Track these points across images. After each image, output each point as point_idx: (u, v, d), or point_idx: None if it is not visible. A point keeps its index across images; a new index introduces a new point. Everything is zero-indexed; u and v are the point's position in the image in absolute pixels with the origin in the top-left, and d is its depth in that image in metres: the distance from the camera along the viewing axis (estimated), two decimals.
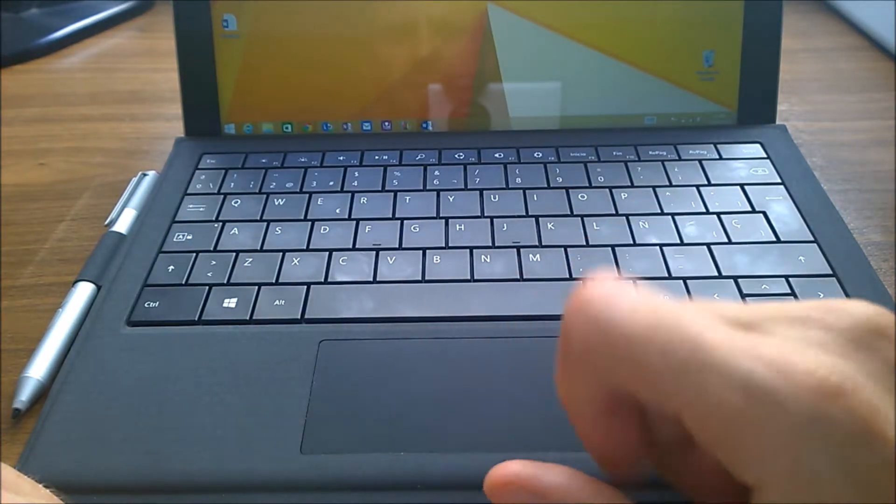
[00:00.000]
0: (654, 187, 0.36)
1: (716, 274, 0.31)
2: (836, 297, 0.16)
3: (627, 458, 0.18)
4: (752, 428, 0.14)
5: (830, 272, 0.31)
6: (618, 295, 0.17)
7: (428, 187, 0.36)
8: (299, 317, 0.29)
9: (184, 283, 0.31)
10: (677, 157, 0.38)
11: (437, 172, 0.37)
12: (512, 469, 0.18)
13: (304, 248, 0.33)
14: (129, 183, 0.40)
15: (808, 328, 0.16)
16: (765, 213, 0.34)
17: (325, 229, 0.34)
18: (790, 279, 0.30)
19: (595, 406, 0.17)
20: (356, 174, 0.38)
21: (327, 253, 0.32)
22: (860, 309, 0.16)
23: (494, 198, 0.36)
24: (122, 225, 0.36)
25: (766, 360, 0.14)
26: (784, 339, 0.16)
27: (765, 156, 0.38)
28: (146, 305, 0.30)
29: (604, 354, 0.16)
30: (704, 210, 0.34)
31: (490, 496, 0.18)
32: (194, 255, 0.33)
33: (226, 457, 0.24)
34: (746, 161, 0.38)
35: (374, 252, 0.32)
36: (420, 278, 0.31)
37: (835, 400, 0.14)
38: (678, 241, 0.32)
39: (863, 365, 0.15)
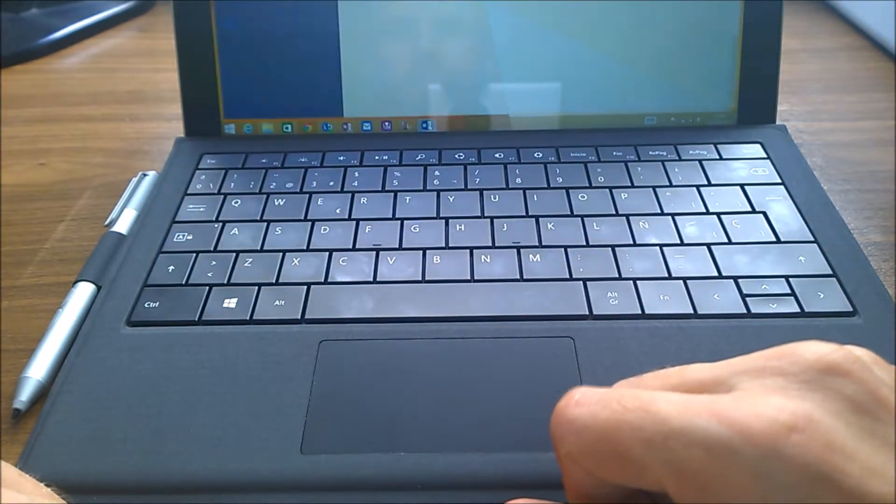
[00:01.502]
0: (654, 187, 0.36)
1: (716, 274, 0.31)
2: (793, 342, 0.17)
3: None
4: (719, 480, 0.15)
5: (830, 272, 0.31)
6: (581, 402, 0.18)
7: (428, 187, 0.36)
8: (299, 317, 0.29)
9: (184, 283, 0.31)
10: (677, 157, 0.38)
11: (437, 172, 0.37)
12: None
13: (304, 248, 0.33)
14: (129, 183, 0.40)
15: (766, 377, 0.16)
16: (765, 214, 0.34)
17: (325, 229, 0.34)
18: (790, 279, 0.30)
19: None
20: (356, 174, 0.38)
21: (327, 253, 0.32)
22: (811, 350, 0.16)
23: (494, 198, 0.36)
24: (122, 225, 0.36)
25: (720, 415, 0.15)
26: (746, 391, 0.16)
27: (765, 156, 0.38)
28: (146, 305, 0.30)
29: (586, 457, 0.17)
30: (704, 210, 0.34)
31: None
32: (194, 255, 0.33)
33: (226, 457, 0.24)
34: (746, 161, 0.38)
35: (374, 252, 0.32)
36: (420, 278, 0.31)
37: (787, 437, 0.15)
38: (678, 242, 0.32)
39: (820, 404, 0.15)
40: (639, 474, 0.16)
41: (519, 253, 0.32)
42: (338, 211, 0.35)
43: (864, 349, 0.17)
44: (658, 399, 0.16)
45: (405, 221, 0.34)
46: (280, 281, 0.31)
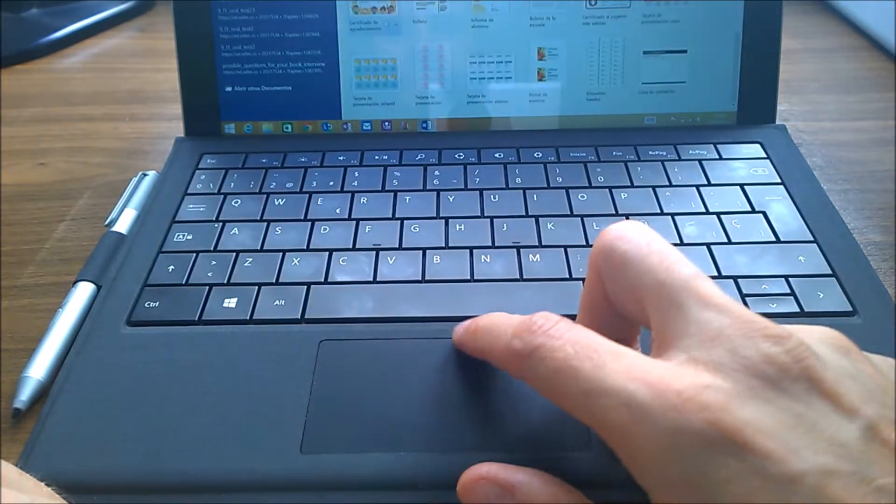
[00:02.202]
0: (653, 187, 0.36)
1: (716, 274, 0.31)
2: (770, 324, 0.18)
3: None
4: (636, 440, 0.16)
5: (830, 272, 0.31)
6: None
7: (428, 187, 0.36)
8: (299, 317, 0.29)
9: (184, 283, 0.31)
10: (677, 157, 0.38)
11: (437, 172, 0.37)
12: (482, 468, 0.20)
13: (305, 248, 0.33)
14: (129, 183, 0.40)
15: (713, 347, 0.17)
16: (765, 213, 0.34)
17: (325, 229, 0.34)
18: (790, 279, 0.30)
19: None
20: (356, 174, 0.38)
21: (327, 253, 0.32)
22: (768, 342, 0.17)
23: (494, 198, 0.36)
24: (123, 225, 0.36)
25: (650, 382, 0.17)
26: (680, 358, 0.17)
27: (765, 156, 0.38)
28: (146, 305, 0.30)
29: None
30: (704, 210, 0.34)
31: (462, 495, 0.20)
32: (194, 255, 0.33)
33: (226, 457, 0.24)
34: (746, 161, 0.38)
35: (374, 252, 0.32)
36: (420, 278, 0.31)
37: (699, 413, 0.16)
38: (678, 242, 0.32)
39: (750, 389, 0.16)
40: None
41: (519, 253, 0.32)
42: (338, 211, 0.35)
43: (829, 334, 0.18)
44: (610, 354, 0.18)
45: (405, 221, 0.34)
46: (280, 281, 0.31)
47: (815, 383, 0.16)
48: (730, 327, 0.17)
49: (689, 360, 0.17)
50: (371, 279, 0.31)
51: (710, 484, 0.15)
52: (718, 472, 0.15)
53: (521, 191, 0.36)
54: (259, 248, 0.33)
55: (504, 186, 0.36)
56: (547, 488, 0.19)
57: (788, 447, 0.15)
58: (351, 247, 0.33)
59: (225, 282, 0.31)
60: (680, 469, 0.16)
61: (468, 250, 0.32)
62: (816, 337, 0.18)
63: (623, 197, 0.35)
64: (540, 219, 0.34)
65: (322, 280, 0.31)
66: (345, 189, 0.37)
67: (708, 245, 0.32)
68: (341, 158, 0.39)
